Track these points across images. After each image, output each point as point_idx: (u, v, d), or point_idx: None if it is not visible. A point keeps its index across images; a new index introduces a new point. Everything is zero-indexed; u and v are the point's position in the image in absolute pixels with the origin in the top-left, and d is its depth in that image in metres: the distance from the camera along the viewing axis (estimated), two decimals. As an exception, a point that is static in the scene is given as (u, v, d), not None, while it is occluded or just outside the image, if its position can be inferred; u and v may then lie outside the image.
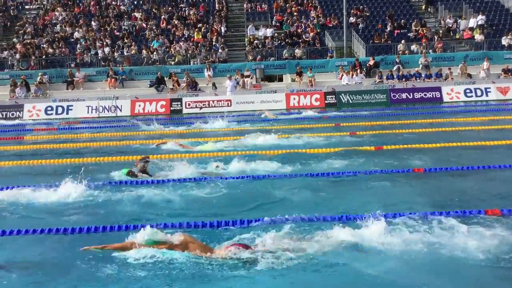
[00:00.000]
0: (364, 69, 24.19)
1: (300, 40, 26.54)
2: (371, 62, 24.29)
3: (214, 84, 23.32)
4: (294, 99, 21.53)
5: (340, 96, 21.55)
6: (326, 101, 21.49)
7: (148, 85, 23.98)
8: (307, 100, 21.52)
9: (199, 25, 28.09)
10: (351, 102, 21.42)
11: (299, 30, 27.33)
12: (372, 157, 10.00)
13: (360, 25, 27.46)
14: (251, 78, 23.83)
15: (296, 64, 24.68)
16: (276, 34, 27.23)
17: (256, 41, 26.66)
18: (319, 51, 26.20)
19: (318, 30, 27.23)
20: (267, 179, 8.33)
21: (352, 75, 23.45)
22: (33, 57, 26.01)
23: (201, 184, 7.98)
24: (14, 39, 28.05)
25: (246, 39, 27.62)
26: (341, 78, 23.62)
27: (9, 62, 25.93)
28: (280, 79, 25.58)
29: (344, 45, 26.41)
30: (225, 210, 6.73)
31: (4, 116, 21.02)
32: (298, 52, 25.61)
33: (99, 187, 7.80)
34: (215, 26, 27.97)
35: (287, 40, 26.62)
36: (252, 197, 7.36)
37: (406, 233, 5.36)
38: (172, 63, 25.61)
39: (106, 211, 6.74)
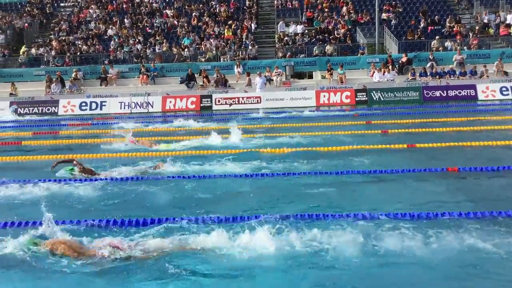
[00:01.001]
0: (397, 66, 23.80)
1: (331, 37, 26.32)
2: (404, 59, 23.87)
3: (248, 74, 23.28)
4: (324, 96, 21.38)
5: (372, 93, 21.28)
6: (356, 99, 21.26)
7: (179, 82, 24.24)
8: (337, 98, 21.34)
9: (230, 22, 28.19)
10: (382, 99, 21.12)
11: (330, 27, 27.09)
12: (405, 155, 9.86)
13: (393, 21, 27.01)
14: (281, 75, 23.79)
15: (326, 61, 24.48)
16: (306, 31, 27.07)
17: (286, 38, 26.58)
18: (350, 47, 25.92)
19: (350, 27, 26.93)
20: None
21: (384, 72, 23.10)
22: (68, 54, 26.65)
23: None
24: (51, 36, 28.79)
25: (276, 36, 27.57)
26: (372, 75, 23.31)
27: (45, 59, 26.64)
28: (310, 76, 25.44)
29: (376, 42, 26.05)
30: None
31: (40, 111, 21.63)
32: (328, 48, 25.41)
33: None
34: (245, 23, 28.03)
35: (317, 36, 26.44)
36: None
37: (439, 236, 5.26)
38: (203, 60, 25.81)
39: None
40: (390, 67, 23.35)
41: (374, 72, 23.27)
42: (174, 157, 9.63)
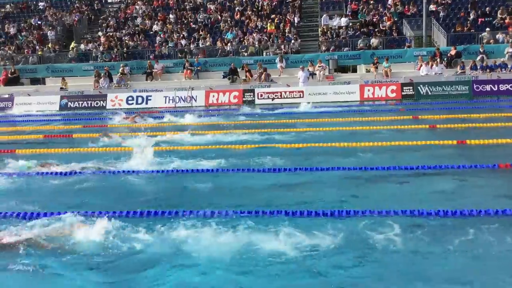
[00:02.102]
0: (445, 59, 23.02)
1: (376, 30, 25.77)
2: (453, 52, 23.07)
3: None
4: (369, 90, 20.98)
5: (418, 87, 20.70)
6: (403, 93, 20.74)
7: (222, 76, 24.43)
8: (383, 92, 20.89)
9: (272, 16, 28.12)
10: (430, 94, 20.51)
11: (375, 19, 26.54)
12: (454, 151, 9.56)
13: (441, 13, 26.12)
14: (324, 69, 23.54)
15: (371, 54, 24.01)
16: (350, 24, 26.64)
17: (329, 31, 26.26)
18: (396, 40, 25.30)
19: (396, 19, 26.27)
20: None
21: (432, 65, 22.42)
22: (115, 49, 27.37)
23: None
24: (99, 32, 29.65)
25: (319, 29, 27.27)
26: (419, 69, 22.66)
27: (94, 54, 27.48)
28: (354, 70, 25.05)
29: (423, 34, 25.31)
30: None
31: (89, 105, 22.35)
32: (374, 41, 24.90)
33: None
34: (288, 17, 27.88)
35: (362, 29, 25.96)
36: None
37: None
38: (245, 54, 25.90)
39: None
40: (438, 60, 22.62)
41: (421, 65, 22.61)
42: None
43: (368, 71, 23.78)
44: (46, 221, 5.74)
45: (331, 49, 25.14)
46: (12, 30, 30.88)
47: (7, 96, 23.68)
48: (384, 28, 25.69)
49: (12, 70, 26.35)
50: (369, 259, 4.69)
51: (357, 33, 25.87)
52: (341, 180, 7.67)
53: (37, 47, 28.69)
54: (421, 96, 20.47)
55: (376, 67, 23.08)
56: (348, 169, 8.22)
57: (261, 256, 4.71)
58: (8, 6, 34.13)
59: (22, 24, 31.42)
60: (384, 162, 8.60)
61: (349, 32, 26.01)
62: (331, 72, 24.17)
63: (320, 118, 15.44)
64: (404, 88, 20.87)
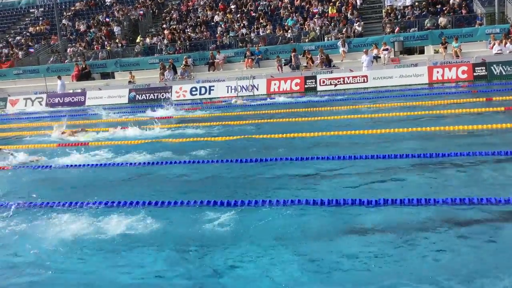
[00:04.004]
0: (521, 36, 21.50)
1: (444, 8, 24.49)
2: (530, 28, 21.49)
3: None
4: (438, 72, 20.02)
5: (492, 67, 19.46)
6: (474, 74, 19.61)
7: (283, 64, 24.27)
8: (453, 73, 19.86)
9: (334, -1, 27.50)
10: (504, 74, 19.23)
11: (443, -3, 25.22)
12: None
13: (516, -14, 24.37)
14: (389, 51, 22.73)
15: (439, 34, 22.87)
16: (416, 3, 25.48)
17: (394, 12, 25.27)
18: (466, 18, 23.92)
19: (465, -5, 24.84)
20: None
21: (506, 43, 20.99)
22: (178, 42, 27.98)
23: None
24: (163, 25, 30.41)
25: (383, 11, 26.34)
26: (492, 48, 21.31)
27: (158, 47, 28.26)
28: (421, 51, 23.99)
29: (495, 11, 23.73)
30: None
31: (155, 97, 23.06)
32: (442, 20, 23.69)
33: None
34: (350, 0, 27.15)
35: (429, 8, 24.76)
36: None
37: None
38: (306, 40, 25.55)
39: None
40: (513, 37, 21.16)
41: (494, 44, 21.23)
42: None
43: (436, 52, 22.70)
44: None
45: (396, 31, 24.22)
46: (82, 27, 32.41)
47: (79, 90, 24.96)
48: (453, 6, 24.34)
49: (83, 66, 27.70)
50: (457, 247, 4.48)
51: (423, 13, 24.72)
52: (414, 167, 7.35)
53: (106, 42, 29.92)
54: (494, 76, 19.25)
55: (445, 48, 21.97)
56: (418, 156, 7.88)
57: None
58: (78, 4, 35.84)
59: (91, 21, 32.88)
60: (457, 148, 8.17)
61: (415, 11, 24.90)
62: (396, 54, 23.30)
63: (387, 102, 14.98)
64: (476, 68, 19.72)
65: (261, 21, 27.57)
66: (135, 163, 8.83)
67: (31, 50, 31.69)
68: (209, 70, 25.55)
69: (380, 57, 22.65)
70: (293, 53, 23.75)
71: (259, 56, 25.21)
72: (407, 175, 7.02)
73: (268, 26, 26.92)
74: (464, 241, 4.66)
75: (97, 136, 12.24)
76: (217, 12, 29.73)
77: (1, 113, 23.34)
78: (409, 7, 25.18)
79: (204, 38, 27.94)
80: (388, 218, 5.35)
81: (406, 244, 4.65)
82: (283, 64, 23.94)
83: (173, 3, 33.33)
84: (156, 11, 32.96)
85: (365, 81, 20.61)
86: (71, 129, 12.76)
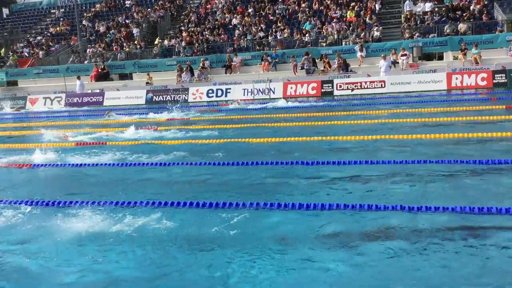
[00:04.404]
0: (543, 43, 21.17)
1: (464, 14, 24.23)
2: (552, 35, 21.14)
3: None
4: (457, 78, 19.81)
5: (512, 74, 19.22)
6: (494, 81, 19.35)
7: (300, 68, 24.25)
8: (472, 80, 19.63)
9: (352, 3, 27.41)
10: (525, 81, 18.98)
11: (463, 3, 24.95)
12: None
13: (539, -7, 24.02)
14: (408, 57, 22.56)
15: (459, 40, 22.63)
16: (436, 9, 25.26)
17: (413, 17, 25.08)
18: (486, 25, 23.63)
19: (486, 2, 24.53)
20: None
21: (527, 50, 20.71)
22: (196, 44, 28.15)
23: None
24: (181, 28, 30.63)
25: (402, 16, 26.16)
26: (513, 55, 21.04)
27: (176, 49, 28.46)
28: (440, 58, 23.76)
29: (517, 17, 23.42)
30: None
31: (172, 99, 23.21)
32: (462, 27, 23.43)
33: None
34: (369, 4, 27.03)
35: (449, 14, 24.52)
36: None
37: None
38: (324, 44, 25.50)
39: None
40: (535, 44, 20.85)
41: (515, 50, 20.97)
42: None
43: (455, 58, 22.47)
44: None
45: (415, 36, 24.03)
46: (102, 28, 32.81)
47: (98, 91, 25.27)
48: (473, 12, 24.07)
49: (102, 67, 28.03)
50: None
51: (443, 18, 24.48)
52: (431, 174, 7.27)
53: (125, 44, 30.24)
54: (515, 84, 19.00)
55: (465, 54, 21.73)
56: (436, 163, 7.79)
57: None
58: (98, 5, 36.31)
59: (111, 22, 33.27)
60: (475, 155, 8.06)
61: (434, 17, 24.68)
62: (415, 60, 23.12)
63: (405, 108, 14.86)
64: (496, 75, 19.47)
65: (278, 24, 27.60)
66: (151, 163, 8.89)
67: (53, 49, 32.19)
68: (226, 73, 25.64)
69: (398, 63, 22.49)
70: (305, 56, 23.74)
71: (276, 60, 25.23)
72: (424, 182, 6.93)
73: (285, 30, 26.93)
74: (481, 251, 4.59)
75: (115, 136, 12.37)
76: (235, 15, 29.85)
77: (21, 112, 23.76)
78: (428, 12, 24.96)
79: (221, 40, 28.06)
80: (402, 224, 5.30)
81: (419, 252, 4.59)
82: (299, 68, 23.92)
83: (192, 5, 33.56)
84: (175, 13, 33.22)
85: (383, 86, 20.48)
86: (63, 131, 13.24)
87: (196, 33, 29.15)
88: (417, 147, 9.13)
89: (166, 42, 29.31)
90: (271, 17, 28.86)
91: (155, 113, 17.42)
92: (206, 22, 30.35)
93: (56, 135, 12.57)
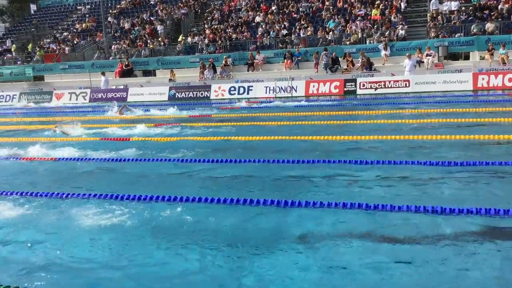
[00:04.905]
0: None
1: (492, 13, 23.72)
2: None
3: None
4: (483, 79, 19.42)
5: (541, 75, 18.74)
6: (522, 82, 18.92)
7: (323, 66, 24.10)
8: (499, 80, 19.21)
9: (377, 2, 27.10)
10: (554, 82, 18.49)
11: (490, 2, 24.43)
12: None
13: None
14: (433, 56, 22.21)
15: (486, 40, 22.18)
16: (463, 8, 24.79)
17: (439, 16, 24.67)
18: (515, 24, 23.11)
19: (515, 1, 23.97)
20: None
21: (558, 50, 20.17)
22: (219, 42, 28.24)
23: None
24: (204, 25, 30.77)
25: (428, 15, 25.76)
26: (542, 55, 20.53)
27: (199, 47, 28.62)
28: (466, 57, 23.34)
29: (548, 16, 22.81)
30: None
31: (194, 96, 23.36)
32: (489, 26, 22.95)
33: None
34: (394, 2, 26.70)
35: (476, 13, 24.04)
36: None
37: None
38: (347, 43, 25.29)
39: None
40: None
41: (545, 51, 20.45)
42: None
43: (482, 58, 22.04)
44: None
45: (440, 35, 23.64)
46: (127, 25, 33.20)
47: (122, 87, 25.58)
48: (501, 12, 23.55)
49: (127, 63, 28.37)
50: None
51: (470, 18, 24.02)
52: (456, 175, 7.15)
53: (149, 41, 30.54)
54: (544, 85, 18.53)
55: (492, 54, 21.29)
56: (461, 164, 7.65)
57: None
58: (123, 2, 36.75)
59: (136, 19, 33.64)
60: (501, 157, 7.90)
61: (461, 16, 24.24)
62: (440, 59, 22.76)
63: (430, 108, 14.64)
64: (524, 76, 19.01)
65: (302, 22, 27.49)
66: (175, 159, 8.97)
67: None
68: (248, 70, 25.67)
69: (423, 62, 22.17)
70: (324, 52, 23.59)
71: (299, 58, 25.14)
72: (448, 183, 6.82)
73: (309, 28, 26.80)
74: (502, 254, 4.50)
75: (135, 132, 12.51)
76: (258, 13, 29.84)
77: (46, 105, 24.22)
78: (455, 11, 24.53)
79: (244, 38, 28.09)
80: (422, 225, 5.22)
81: (440, 255, 4.52)
82: (321, 65, 23.78)
83: (216, 3, 33.68)
84: (199, 10, 33.39)
85: (407, 85, 20.21)
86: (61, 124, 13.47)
87: (219, 31, 29.25)
88: (440, 148, 8.99)
89: (189, 39, 29.50)
90: (295, 15, 28.76)
91: (180, 110, 17.47)
92: (230, 20, 30.42)
93: (54, 130, 12.91)
